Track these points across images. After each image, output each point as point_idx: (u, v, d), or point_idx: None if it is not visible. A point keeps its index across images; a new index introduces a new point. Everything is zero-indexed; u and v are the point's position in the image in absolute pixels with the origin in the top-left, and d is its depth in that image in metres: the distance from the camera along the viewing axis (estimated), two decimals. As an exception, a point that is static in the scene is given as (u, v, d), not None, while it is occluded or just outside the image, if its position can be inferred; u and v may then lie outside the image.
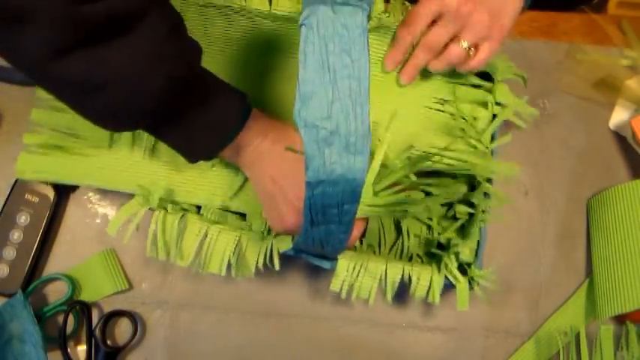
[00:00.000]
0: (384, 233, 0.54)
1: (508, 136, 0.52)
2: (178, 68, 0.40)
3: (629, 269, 0.51)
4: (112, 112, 0.40)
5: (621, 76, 0.59)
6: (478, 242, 0.51)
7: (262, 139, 0.46)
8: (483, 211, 0.51)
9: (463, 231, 0.52)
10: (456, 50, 0.49)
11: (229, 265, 0.48)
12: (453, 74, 0.53)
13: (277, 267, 0.46)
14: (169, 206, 0.49)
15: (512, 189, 0.58)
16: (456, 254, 0.49)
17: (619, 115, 0.60)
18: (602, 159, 0.59)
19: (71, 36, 0.34)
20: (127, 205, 0.49)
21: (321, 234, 0.37)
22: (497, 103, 0.53)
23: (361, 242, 0.53)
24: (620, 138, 0.60)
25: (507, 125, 0.58)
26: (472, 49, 0.49)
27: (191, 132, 0.44)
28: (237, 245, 0.48)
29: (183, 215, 0.48)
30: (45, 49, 0.34)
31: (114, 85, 0.37)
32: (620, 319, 0.55)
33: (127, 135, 0.51)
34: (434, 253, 0.52)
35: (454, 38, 0.49)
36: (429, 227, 0.54)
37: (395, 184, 0.48)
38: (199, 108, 0.43)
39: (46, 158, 0.51)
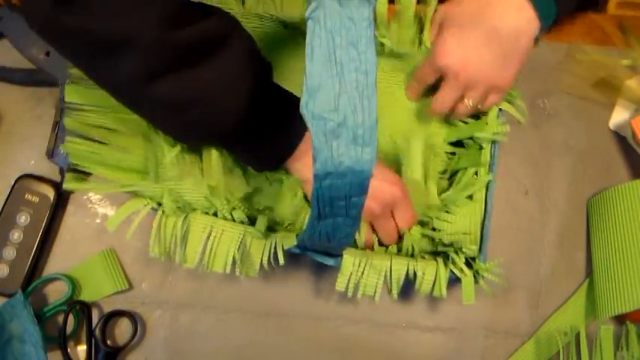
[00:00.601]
0: None
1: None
2: (258, 84, 0.43)
3: (629, 269, 0.51)
4: (196, 128, 0.43)
5: (621, 76, 0.59)
6: (482, 237, 0.51)
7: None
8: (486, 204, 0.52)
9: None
10: (463, 109, 0.51)
11: (234, 264, 0.48)
12: None
13: (282, 262, 0.46)
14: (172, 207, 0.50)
15: (512, 189, 0.58)
16: (461, 249, 0.49)
17: (619, 115, 0.60)
18: (602, 159, 0.59)
19: (164, 60, 0.37)
20: (130, 203, 0.49)
21: (327, 228, 0.37)
22: None
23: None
24: (620, 138, 0.60)
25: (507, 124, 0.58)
26: (479, 105, 0.51)
27: (261, 145, 0.46)
28: (241, 242, 0.48)
29: (186, 216, 0.48)
30: (139, 74, 0.37)
31: (202, 103, 0.40)
32: (620, 319, 0.56)
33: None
34: (438, 251, 0.52)
35: (460, 97, 0.51)
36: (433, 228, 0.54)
37: None
38: (271, 122, 0.45)
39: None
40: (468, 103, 0.50)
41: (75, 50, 0.38)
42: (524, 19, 0.46)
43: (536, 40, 0.48)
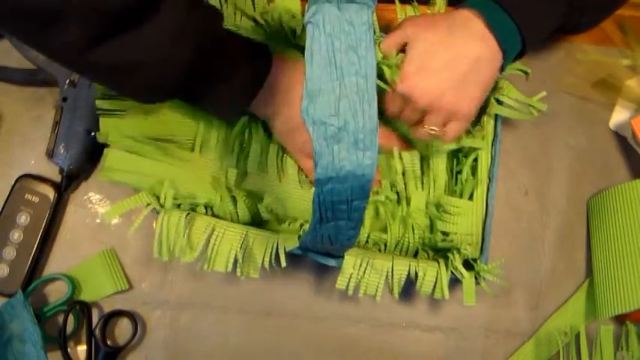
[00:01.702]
0: (390, 229, 0.54)
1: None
2: (203, 39, 0.42)
3: (629, 269, 0.51)
4: (146, 88, 0.43)
5: (621, 76, 0.59)
6: (483, 238, 0.51)
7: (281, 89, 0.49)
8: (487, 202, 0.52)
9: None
10: (423, 134, 0.50)
11: (235, 264, 0.48)
12: None
13: (284, 264, 0.46)
14: (175, 204, 0.50)
15: (513, 189, 0.58)
16: (459, 250, 0.49)
17: (619, 115, 0.60)
18: (602, 159, 0.59)
19: (101, 27, 0.37)
20: (131, 198, 0.49)
21: (329, 231, 0.37)
22: (498, 101, 0.53)
23: (367, 241, 0.53)
24: (620, 138, 0.60)
25: (506, 125, 0.58)
26: (441, 129, 0.50)
27: (219, 94, 0.47)
28: (243, 242, 0.48)
29: (188, 213, 0.48)
30: (79, 43, 0.37)
31: (145, 65, 0.40)
32: (620, 319, 0.56)
33: (213, 142, 0.53)
34: (440, 249, 0.52)
35: (422, 121, 0.50)
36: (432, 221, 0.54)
37: None
38: (228, 75, 0.46)
39: (131, 159, 0.50)
40: (428, 128, 0.49)
41: (14, 28, 0.38)
42: (488, 49, 0.46)
43: (502, 69, 0.48)
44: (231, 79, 0.46)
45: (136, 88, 0.43)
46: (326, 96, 0.31)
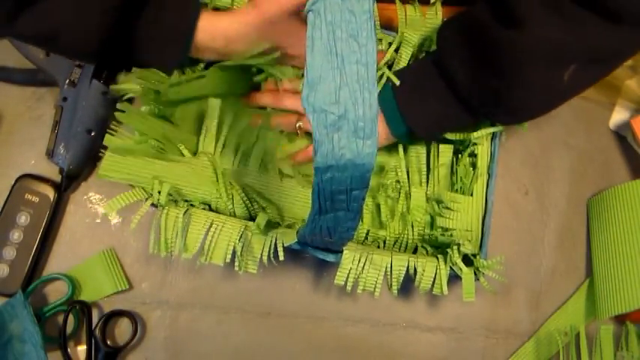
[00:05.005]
0: (388, 225, 0.54)
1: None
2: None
3: (629, 269, 0.51)
4: (74, 51, 0.45)
5: (621, 76, 0.59)
6: (482, 234, 0.51)
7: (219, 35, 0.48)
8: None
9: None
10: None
11: (233, 258, 0.48)
12: None
13: (282, 258, 0.46)
14: (173, 202, 0.50)
15: (513, 189, 0.58)
16: (458, 246, 0.49)
17: (619, 115, 0.60)
18: (602, 159, 0.59)
19: (11, 2, 0.39)
20: (130, 192, 0.49)
21: (328, 222, 0.37)
22: None
23: (366, 237, 0.54)
24: (620, 138, 0.60)
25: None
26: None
27: (151, 47, 0.46)
28: (241, 236, 0.48)
29: (187, 210, 0.48)
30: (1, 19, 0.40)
31: (63, 32, 0.42)
32: (620, 319, 0.56)
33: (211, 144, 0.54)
34: (439, 244, 0.52)
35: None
36: (432, 218, 0.54)
37: None
38: (150, 23, 0.45)
39: (129, 160, 0.50)
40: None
41: None
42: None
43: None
44: (157, 31, 0.45)
45: (64, 52, 0.45)
46: (326, 84, 0.31)
